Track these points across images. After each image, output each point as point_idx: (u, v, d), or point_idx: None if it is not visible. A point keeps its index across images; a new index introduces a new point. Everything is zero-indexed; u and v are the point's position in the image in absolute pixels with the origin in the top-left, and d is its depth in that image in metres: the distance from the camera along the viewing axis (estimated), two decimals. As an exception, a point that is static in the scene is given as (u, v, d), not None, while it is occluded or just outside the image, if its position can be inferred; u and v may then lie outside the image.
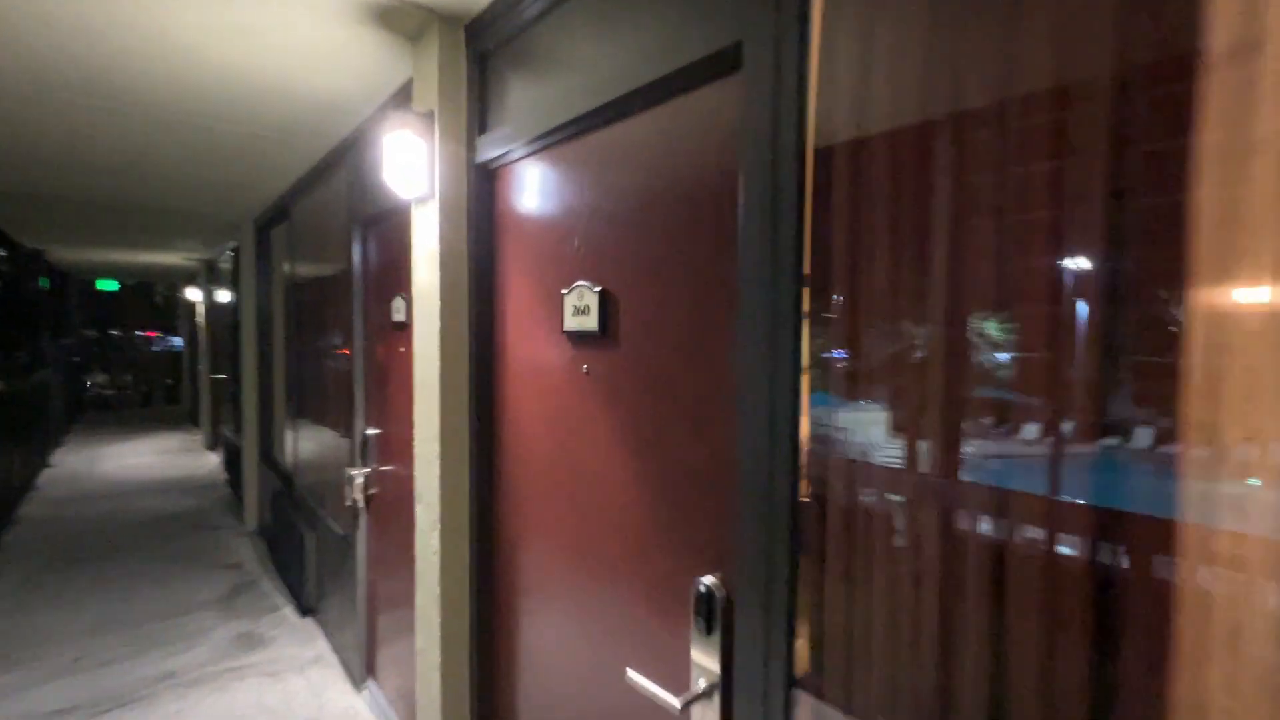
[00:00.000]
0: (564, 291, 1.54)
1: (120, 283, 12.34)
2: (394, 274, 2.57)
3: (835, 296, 0.99)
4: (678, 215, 1.25)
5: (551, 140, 1.59)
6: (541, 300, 1.66)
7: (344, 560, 3.16)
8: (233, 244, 6.10)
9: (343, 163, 3.05)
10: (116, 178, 3.77)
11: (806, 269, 0.99)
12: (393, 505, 2.64)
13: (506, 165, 1.78)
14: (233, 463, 6.20)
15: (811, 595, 1.03)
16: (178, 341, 14.14)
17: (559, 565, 1.61)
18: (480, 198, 1.84)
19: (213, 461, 7.76)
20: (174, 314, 14.77)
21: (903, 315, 0.92)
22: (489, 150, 1.78)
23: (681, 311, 1.24)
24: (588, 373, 1.50)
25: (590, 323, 1.46)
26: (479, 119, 1.84)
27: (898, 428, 0.94)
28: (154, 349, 15.55)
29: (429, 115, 1.84)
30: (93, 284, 11.95)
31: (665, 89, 1.25)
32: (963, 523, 0.86)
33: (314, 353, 3.91)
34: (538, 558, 1.70)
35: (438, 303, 1.84)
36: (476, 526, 1.88)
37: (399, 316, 2.48)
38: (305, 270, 4.05)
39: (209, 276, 8.23)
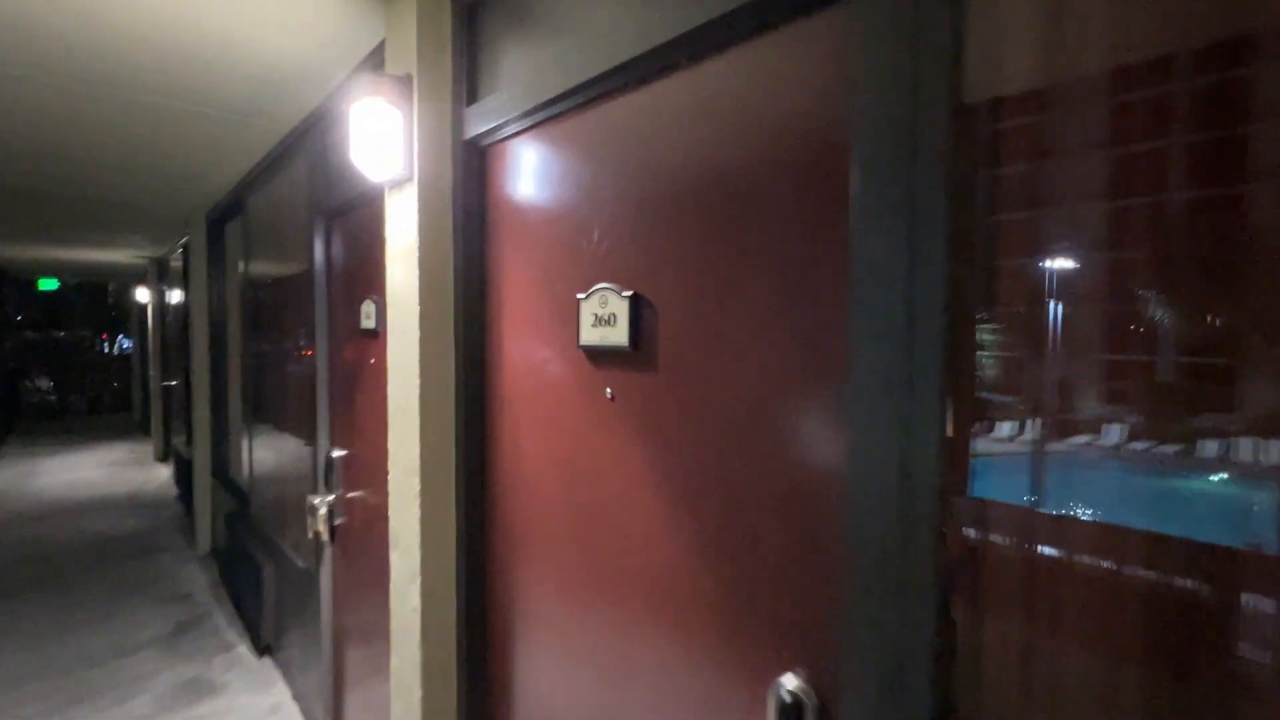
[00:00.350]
0: (580, 297, 1.23)
1: (61, 281, 11.54)
2: (364, 273, 2.22)
3: (1004, 304, 0.70)
4: (747, 200, 0.95)
5: (561, 109, 1.28)
6: (550, 307, 1.34)
7: (307, 593, 2.79)
8: (184, 241, 5.61)
9: (303, 146, 2.68)
10: (40, 163, 3.32)
11: (956, 267, 0.70)
12: (363, 538, 2.28)
13: (502, 142, 1.46)
14: (184, 476, 5.71)
15: (966, 706, 0.74)
16: (130, 344, 13.35)
17: (575, 641, 1.30)
18: (469, 181, 1.52)
19: (163, 474, 7.21)
20: (126, 315, 13.96)
21: (1121, 324, 0.64)
22: (479, 123, 1.46)
23: (751, 322, 0.94)
24: (613, 399, 1.19)
25: (617, 336, 1.16)
26: (467, 85, 1.52)
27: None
28: (108, 352, 14.69)
29: (405, 80, 1.51)
30: (33, 283, 11.15)
31: (727, 32, 0.95)
32: (1224, 605, 0.58)
33: (273, 361, 3.52)
34: (546, 627, 1.38)
35: (417, 308, 1.51)
36: (467, 582, 1.55)
37: (369, 323, 2.13)
38: (263, 270, 3.65)
39: (159, 276, 7.66)
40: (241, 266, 4.04)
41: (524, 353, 1.43)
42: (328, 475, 2.51)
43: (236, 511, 4.01)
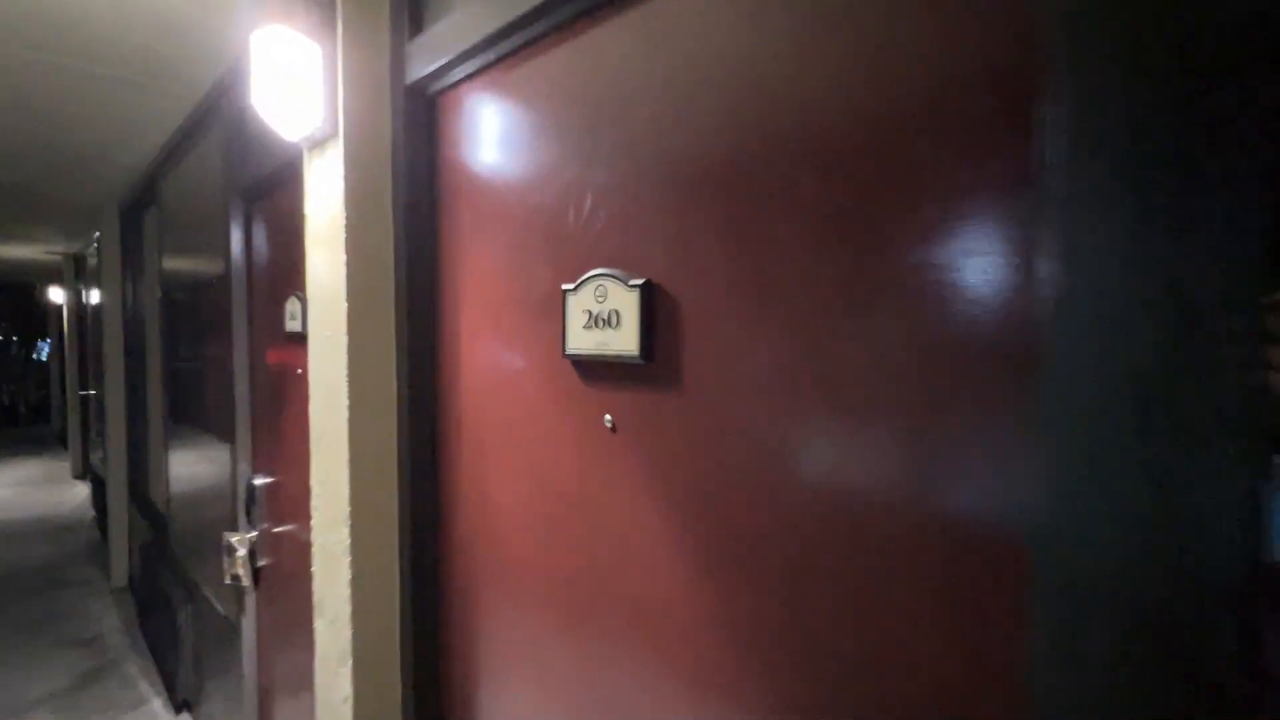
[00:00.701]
0: (567, 288, 0.89)
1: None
2: (290, 264, 1.83)
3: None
4: (842, 143, 0.63)
5: (539, 31, 0.93)
6: (525, 303, 1.00)
7: (229, 643, 2.36)
8: (99, 234, 5.01)
9: (217, 116, 2.25)
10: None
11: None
12: (292, 582, 1.89)
13: (457, 86, 1.11)
14: (102, 497, 5.10)
15: None
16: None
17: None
18: (414, 138, 1.16)
19: (80, 494, 6.51)
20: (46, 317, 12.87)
21: None
22: (426, 60, 1.10)
23: (851, 320, 0.62)
24: (614, 430, 0.86)
25: (621, 342, 0.82)
26: (409, 9, 1.16)
27: None
28: (32, 358, 13.53)
29: (326, 3, 1.14)
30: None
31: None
32: None
33: (194, 369, 3.05)
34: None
35: (344, 305, 1.14)
36: (414, 668, 1.19)
37: (294, 325, 1.75)
38: (180, 265, 3.17)
39: (76, 274, 6.94)
40: (159, 262, 3.54)
41: (491, 364, 1.08)
42: (249, 507, 2.10)
43: (153, 541, 3.51)
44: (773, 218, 0.67)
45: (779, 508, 0.67)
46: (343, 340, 1.15)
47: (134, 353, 4.24)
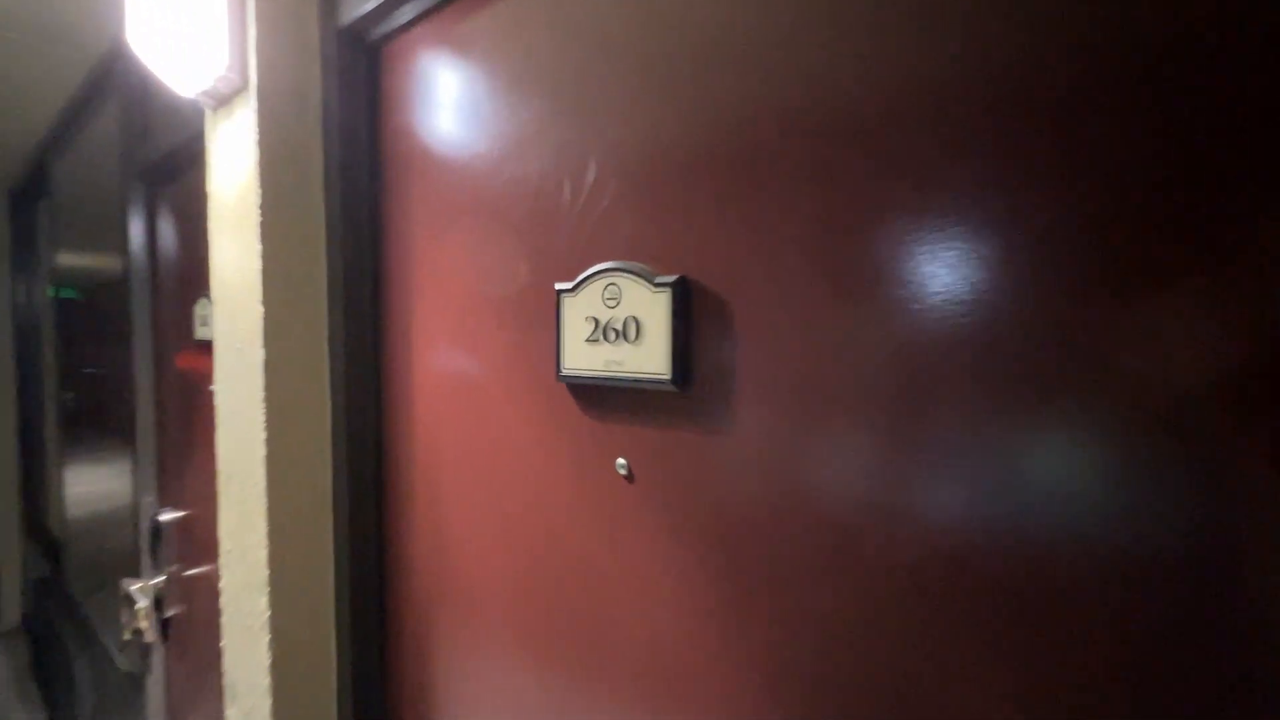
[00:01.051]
0: (562, 289, 0.67)
1: None
2: (202, 258, 1.52)
3: None
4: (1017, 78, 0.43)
5: (519, -49, 0.71)
6: (502, 307, 0.77)
7: (134, 704, 2.02)
8: (-13, 225, 4.42)
9: (114, 82, 1.91)
10: None
11: None
12: (212, 634, 1.58)
13: (409, 29, 0.87)
14: (-6, 525, 4.51)
15: None
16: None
17: None
18: (351, 97, 0.91)
19: (-29, 519, 5.79)
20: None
21: None
22: (369, -3, 0.85)
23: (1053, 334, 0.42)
24: (631, 480, 0.64)
25: (643, 361, 0.60)
26: (346, -67, 0.90)
27: None
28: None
29: (233, -84, 0.88)
30: None
31: None
32: None
33: (94, 380, 2.66)
34: None
35: (258, 310, 0.88)
36: (355, 777, 0.93)
37: (205, 332, 1.45)
38: (78, 261, 2.76)
39: (-35, 271, 6.19)
40: (52, 257, 3.09)
41: (456, 388, 0.84)
42: (155, 547, 1.77)
43: (49, 578, 3.06)
44: (890, 174, 0.47)
45: (893, 588, 0.47)
46: (258, 355, 0.88)
47: (27, 360, 3.73)
